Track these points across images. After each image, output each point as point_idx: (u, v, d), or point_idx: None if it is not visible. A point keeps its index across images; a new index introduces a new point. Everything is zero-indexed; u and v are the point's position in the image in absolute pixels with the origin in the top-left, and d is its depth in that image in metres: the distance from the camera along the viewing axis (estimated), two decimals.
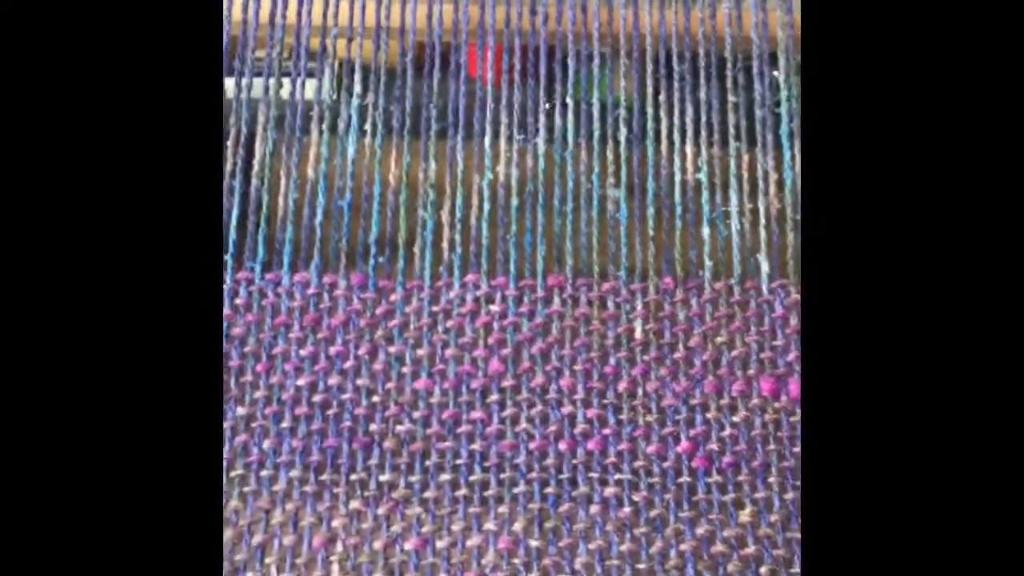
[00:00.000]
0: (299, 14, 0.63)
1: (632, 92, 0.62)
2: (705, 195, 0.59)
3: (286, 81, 0.62)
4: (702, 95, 0.62)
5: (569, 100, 0.62)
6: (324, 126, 0.61)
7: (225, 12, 0.63)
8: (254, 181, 0.60)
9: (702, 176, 0.60)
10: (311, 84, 0.63)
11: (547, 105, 0.62)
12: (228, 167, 0.60)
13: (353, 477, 0.53)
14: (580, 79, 0.62)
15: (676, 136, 0.61)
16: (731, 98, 0.61)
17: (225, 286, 0.58)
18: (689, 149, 0.61)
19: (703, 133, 0.61)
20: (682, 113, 0.61)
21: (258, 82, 0.62)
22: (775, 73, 0.62)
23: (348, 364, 0.56)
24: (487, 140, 0.61)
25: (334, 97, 0.63)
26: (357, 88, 0.62)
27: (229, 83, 0.62)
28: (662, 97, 0.62)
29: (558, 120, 0.61)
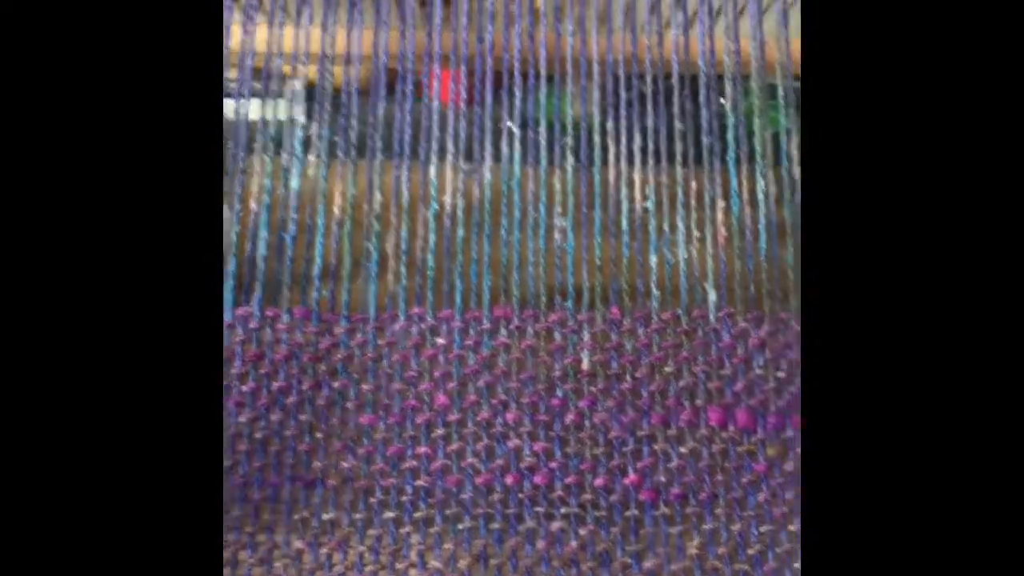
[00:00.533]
0: (242, 41, 0.62)
1: (579, 118, 0.62)
2: (653, 222, 0.59)
3: (229, 103, 0.61)
4: (649, 122, 0.61)
5: (512, 126, 0.61)
6: (267, 156, 0.60)
7: None
8: None
9: (650, 204, 0.60)
10: (255, 105, 0.62)
11: (510, 125, 0.61)
12: None
13: (295, 516, 0.52)
14: (527, 106, 0.62)
15: (623, 163, 0.60)
16: (678, 125, 0.61)
17: None
18: (637, 176, 0.60)
19: (650, 160, 0.61)
20: (629, 140, 0.61)
21: None
22: (722, 100, 0.62)
23: (291, 400, 0.55)
24: (432, 169, 0.60)
25: (277, 123, 0.62)
26: (301, 120, 0.62)
27: None
28: (609, 124, 0.61)
29: (504, 148, 0.61)
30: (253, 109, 0.62)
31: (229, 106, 0.61)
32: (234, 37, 0.62)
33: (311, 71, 0.63)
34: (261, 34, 0.63)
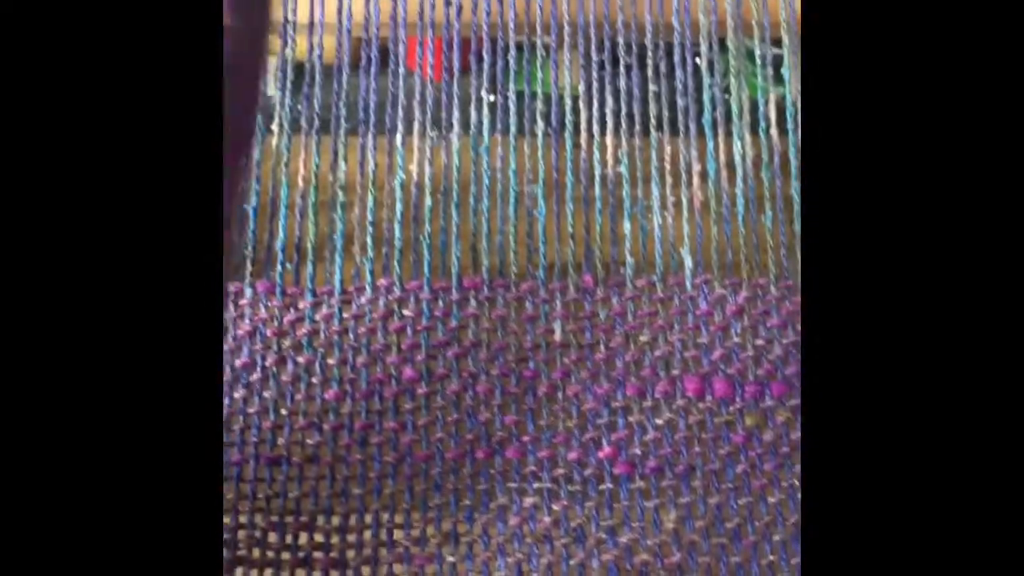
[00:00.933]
0: None
1: (550, 83, 0.60)
2: (626, 188, 0.57)
3: None
4: (622, 84, 0.59)
5: (484, 94, 0.59)
6: None
7: None
8: None
9: (623, 169, 0.58)
10: None
11: (491, 96, 0.59)
12: None
13: (259, 496, 0.51)
14: (496, 72, 0.60)
15: (596, 128, 0.59)
16: (652, 87, 0.59)
17: None
18: (609, 141, 0.58)
19: (623, 124, 0.59)
20: (601, 104, 0.59)
21: None
22: (697, 60, 0.60)
23: (254, 376, 0.53)
24: (398, 137, 0.58)
25: None
26: (270, 90, 0.60)
27: None
28: (580, 88, 0.59)
29: (473, 115, 0.59)
30: None
31: None
32: None
33: (273, 42, 0.61)
34: None
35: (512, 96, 0.59)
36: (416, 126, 0.58)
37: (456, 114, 0.59)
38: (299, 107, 0.59)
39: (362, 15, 0.61)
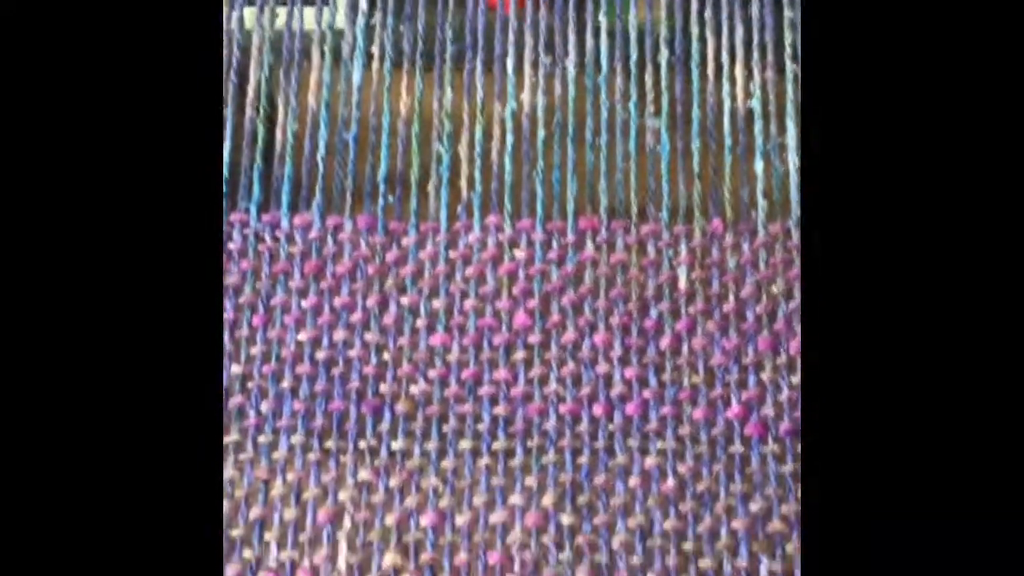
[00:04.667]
0: None
1: (673, 10, 0.55)
2: (758, 125, 0.53)
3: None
4: (754, 11, 0.54)
5: (603, 19, 0.55)
6: (326, 48, 0.54)
7: None
8: (248, 111, 0.54)
9: (755, 103, 0.53)
10: (310, 11, 0.56)
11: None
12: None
13: (362, 444, 0.48)
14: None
15: (724, 58, 0.54)
16: (787, 14, 0.54)
17: None
18: (739, 73, 0.54)
19: (755, 55, 0.54)
20: (731, 32, 0.54)
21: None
22: None
23: (355, 317, 0.50)
24: (510, 64, 0.54)
25: (336, 23, 0.56)
26: (363, 6, 0.55)
27: None
28: (708, 14, 0.55)
29: (590, 42, 0.54)
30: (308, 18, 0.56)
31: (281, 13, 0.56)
32: None
33: None
34: None
35: (633, 24, 0.54)
36: (528, 53, 0.54)
37: (572, 40, 0.54)
38: (401, 30, 0.55)
39: None
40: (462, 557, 0.46)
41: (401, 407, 0.48)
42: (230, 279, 0.51)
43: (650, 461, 0.47)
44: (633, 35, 0.54)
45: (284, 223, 0.52)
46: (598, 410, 0.48)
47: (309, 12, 0.56)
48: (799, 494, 0.46)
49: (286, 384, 0.49)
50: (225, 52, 0.54)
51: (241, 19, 0.55)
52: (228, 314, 0.50)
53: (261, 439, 0.48)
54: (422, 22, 0.55)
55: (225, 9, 0.55)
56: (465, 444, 0.48)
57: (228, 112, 0.53)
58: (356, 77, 0.54)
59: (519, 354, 0.49)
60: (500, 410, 0.48)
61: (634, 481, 0.47)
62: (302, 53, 0.55)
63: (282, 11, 0.55)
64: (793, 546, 0.45)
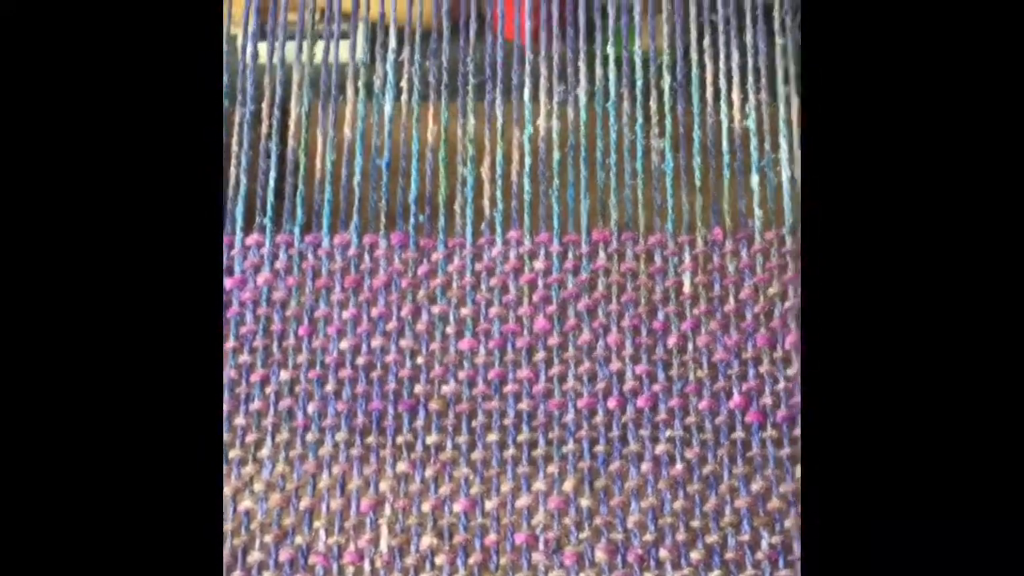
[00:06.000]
0: None
1: (675, 39, 0.60)
2: (754, 143, 0.57)
3: (319, 44, 0.61)
4: (748, 40, 0.59)
5: (610, 49, 0.60)
6: (360, 83, 0.60)
7: None
8: (290, 143, 0.59)
9: (750, 123, 0.58)
10: (345, 46, 0.61)
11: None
12: (264, 129, 0.59)
13: (399, 439, 0.53)
14: (620, 28, 0.60)
15: (722, 83, 0.59)
16: (779, 41, 0.59)
17: (264, 249, 0.57)
18: (736, 96, 0.59)
19: (750, 79, 0.59)
20: (728, 59, 0.59)
21: (290, 45, 0.61)
22: None
23: (391, 325, 0.55)
24: (526, 94, 0.59)
25: (367, 59, 0.62)
26: (392, 44, 0.61)
27: (262, 47, 0.61)
28: (706, 43, 0.59)
29: (599, 71, 0.59)
30: (343, 48, 0.61)
31: (319, 48, 0.61)
32: None
33: (400, 6, 0.62)
34: None
35: (638, 53, 0.59)
36: (542, 82, 0.59)
37: (583, 70, 0.59)
38: (428, 65, 0.60)
39: None
40: (492, 538, 0.50)
41: (434, 405, 0.53)
42: (277, 294, 0.56)
43: (660, 448, 0.51)
44: (638, 63, 0.59)
45: (325, 242, 0.57)
46: (612, 403, 0.53)
47: (344, 45, 0.61)
48: (796, 474, 0.50)
49: (330, 387, 0.54)
50: (267, 88, 0.60)
51: (283, 51, 0.60)
52: (276, 326, 0.55)
53: (309, 437, 0.53)
54: (446, 57, 0.60)
55: (249, 47, 0.60)
56: (492, 437, 0.52)
57: (273, 144, 0.59)
58: (387, 109, 0.59)
59: (540, 355, 0.54)
60: (523, 406, 0.53)
61: (646, 466, 0.51)
62: (338, 88, 0.60)
63: (319, 44, 0.61)
64: (791, 521, 0.49)
